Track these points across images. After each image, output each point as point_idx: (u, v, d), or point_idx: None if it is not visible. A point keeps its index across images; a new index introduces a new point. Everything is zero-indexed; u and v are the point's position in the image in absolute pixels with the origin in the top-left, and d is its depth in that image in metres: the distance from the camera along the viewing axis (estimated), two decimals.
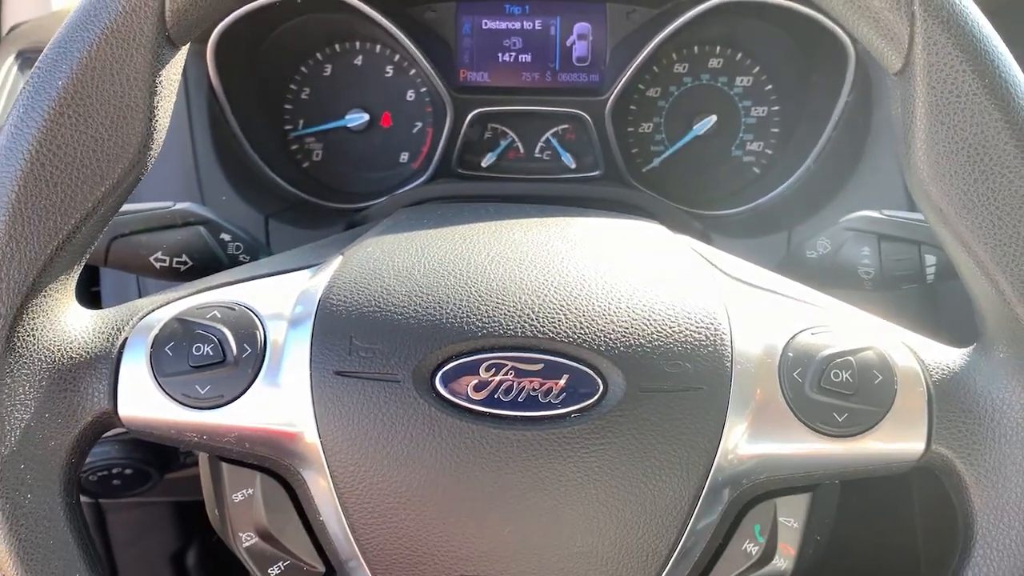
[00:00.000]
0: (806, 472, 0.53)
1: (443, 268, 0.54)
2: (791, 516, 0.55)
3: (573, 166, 0.93)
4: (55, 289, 0.51)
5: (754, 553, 0.55)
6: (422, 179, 0.93)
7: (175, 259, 0.63)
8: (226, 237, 0.65)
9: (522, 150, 0.95)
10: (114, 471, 0.80)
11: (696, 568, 0.53)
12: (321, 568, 0.56)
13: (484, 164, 0.94)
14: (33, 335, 0.50)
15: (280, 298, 0.55)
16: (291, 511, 0.56)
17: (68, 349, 0.52)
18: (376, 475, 0.51)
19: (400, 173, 0.97)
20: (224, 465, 0.56)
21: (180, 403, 0.52)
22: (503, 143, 0.95)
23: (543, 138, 0.95)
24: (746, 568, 0.55)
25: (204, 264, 0.65)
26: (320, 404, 0.51)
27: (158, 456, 0.82)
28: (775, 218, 0.88)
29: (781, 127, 0.95)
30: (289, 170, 0.94)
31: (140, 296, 0.76)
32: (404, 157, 0.98)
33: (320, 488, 0.53)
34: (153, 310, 0.55)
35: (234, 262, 0.66)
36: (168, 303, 0.55)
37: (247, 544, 0.56)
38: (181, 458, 0.83)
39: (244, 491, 0.56)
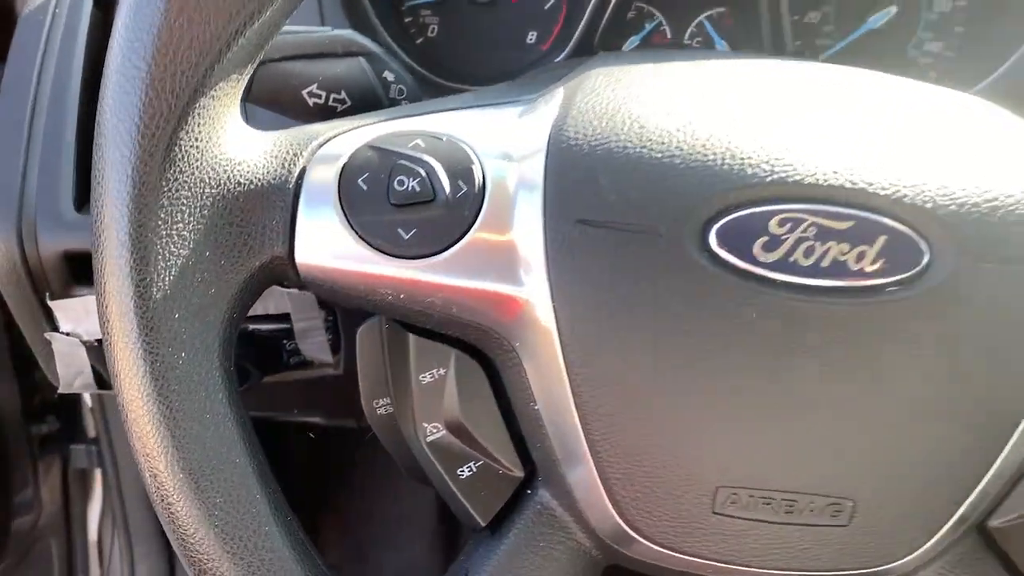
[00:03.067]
0: None
1: (707, 99, 0.43)
2: None
3: None
4: (224, 92, 0.40)
5: None
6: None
7: (332, 95, 0.52)
8: (389, 76, 0.53)
9: (669, 34, 0.83)
10: None
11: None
12: (520, 472, 0.46)
13: (625, 49, 0.83)
14: (197, 146, 0.39)
15: (494, 131, 0.44)
16: (489, 399, 0.45)
17: (235, 172, 0.41)
18: (624, 353, 0.40)
19: (526, 55, 0.85)
20: (412, 338, 0.45)
21: (377, 250, 0.41)
22: (648, 25, 0.83)
23: (695, 21, 0.83)
24: None
25: (364, 106, 0.53)
26: (556, 259, 0.40)
27: (261, 353, 0.71)
28: None
29: (967, 27, 0.84)
30: (405, 44, 0.83)
31: None
32: (532, 37, 0.86)
33: (542, 368, 0.42)
34: (335, 136, 0.43)
35: (392, 103, 0.54)
36: (353, 129, 0.44)
37: (432, 438, 0.45)
38: (285, 357, 0.72)
39: (435, 371, 0.45)
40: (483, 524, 0.46)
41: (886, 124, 0.42)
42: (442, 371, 0.45)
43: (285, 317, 0.67)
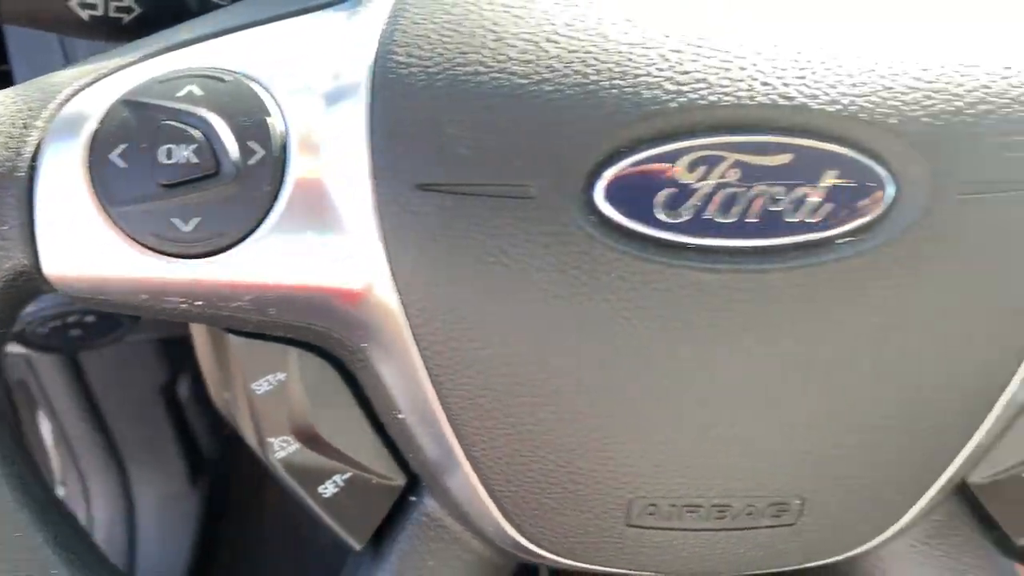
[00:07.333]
0: None
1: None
2: None
3: None
4: None
5: None
6: None
7: (112, 2, 0.39)
8: None
9: None
10: (70, 320, 0.59)
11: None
12: (400, 480, 0.37)
13: None
14: None
15: (299, 58, 0.32)
16: (348, 399, 0.36)
17: None
18: (497, 348, 0.31)
19: None
20: (234, 341, 0.35)
21: (151, 249, 0.30)
22: None
23: None
24: None
25: (159, 13, 0.40)
26: (395, 239, 0.30)
27: None
28: None
29: None
30: None
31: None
32: None
33: (398, 369, 0.32)
34: (82, 88, 0.32)
35: (206, 6, 0.41)
36: (107, 75, 0.32)
37: (282, 454, 0.36)
38: None
39: (271, 377, 0.35)
40: (359, 546, 0.38)
41: (826, 6, 0.30)
42: (280, 376, 0.35)
43: None
